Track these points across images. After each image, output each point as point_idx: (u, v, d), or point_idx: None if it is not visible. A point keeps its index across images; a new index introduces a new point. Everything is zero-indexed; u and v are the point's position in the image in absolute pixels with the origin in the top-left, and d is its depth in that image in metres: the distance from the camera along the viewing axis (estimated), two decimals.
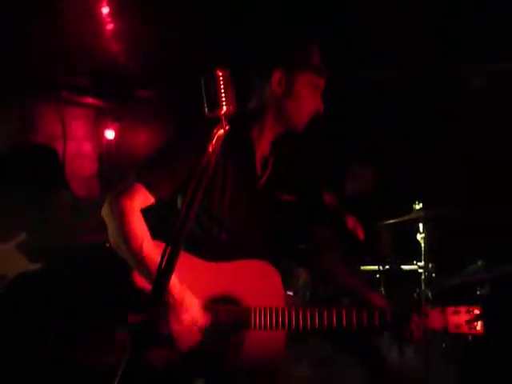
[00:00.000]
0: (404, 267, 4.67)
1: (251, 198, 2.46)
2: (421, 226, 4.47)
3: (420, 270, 4.44)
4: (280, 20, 5.07)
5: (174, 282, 2.12)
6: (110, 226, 2.24)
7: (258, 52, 2.63)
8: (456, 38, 5.16)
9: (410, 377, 4.19)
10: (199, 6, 5.18)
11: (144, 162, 2.35)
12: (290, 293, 4.03)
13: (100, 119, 6.47)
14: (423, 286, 4.37)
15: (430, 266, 4.42)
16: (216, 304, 2.25)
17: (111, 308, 2.21)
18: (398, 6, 5.13)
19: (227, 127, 1.71)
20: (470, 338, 3.91)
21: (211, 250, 2.35)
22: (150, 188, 2.26)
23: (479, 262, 4.34)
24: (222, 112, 1.69)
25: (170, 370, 2.19)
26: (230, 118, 1.71)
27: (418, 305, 4.17)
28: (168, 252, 1.60)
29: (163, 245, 1.61)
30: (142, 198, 2.25)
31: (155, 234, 2.23)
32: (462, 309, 2.44)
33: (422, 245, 4.45)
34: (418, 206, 4.47)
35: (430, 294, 4.32)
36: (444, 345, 4.14)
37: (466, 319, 2.43)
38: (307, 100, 2.47)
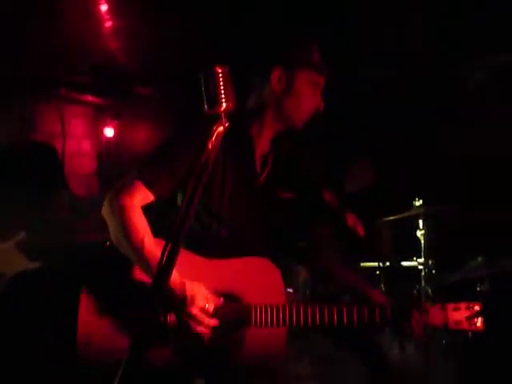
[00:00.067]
0: (404, 264, 4.67)
1: (251, 196, 2.46)
2: (421, 222, 4.47)
3: (420, 267, 4.44)
4: (280, 20, 5.07)
5: (175, 276, 2.12)
6: (111, 224, 2.24)
7: (257, 50, 2.63)
8: (456, 37, 5.15)
9: (411, 373, 4.19)
10: (199, 6, 5.18)
11: (144, 159, 2.35)
12: (290, 290, 4.03)
13: (99, 117, 6.46)
14: (423, 282, 4.38)
15: (430, 262, 4.42)
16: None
17: (113, 306, 2.22)
18: (397, 6, 5.13)
19: (227, 124, 1.71)
20: (470, 334, 3.92)
21: (211, 247, 2.35)
22: (150, 185, 2.26)
23: (479, 259, 4.34)
24: (222, 109, 1.69)
25: (170, 369, 2.19)
26: (229, 115, 1.71)
27: (418, 301, 4.17)
28: (168, 249, 1.60)
29: (164, 242, 1.61)
30: (142, 196, 2.26)
31: (155, 231, 2.23)
32: (462, 305, 2.44)
33: (422, 241, 4.46)
34: (417, 203, 4.47)
35: (429, 291, 4.32)
36: (444, 341, 4.14)
37: (466, 315, 2.43)
38: (307, 98, 2.48)
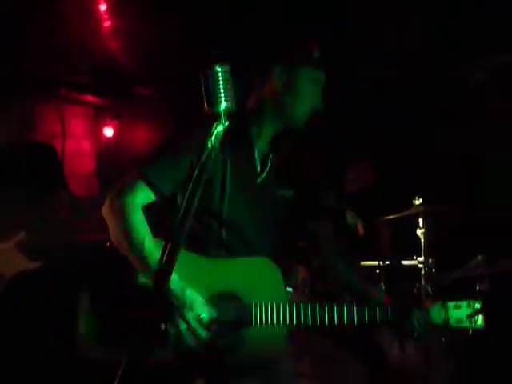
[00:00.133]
0: (404, 262, 4.67)
1: (251, 195, 2.46)
2: (420, 221, 4.48)
3: (420, 266, 4.44)
4: (280, 20, 5.07)
5: (175, 279, 2.12)
6: (111, 224, 2.24)
7: (257, 49, 2.63)
8: (456, 37, 5.15)
9: (411, 373, 4.19)
10: (199, 6, 5.18)
11: (144, 159, 2.35)
12: (290, 290, 4.03)
13: (99, 117, 6.46)
14: (423, 281, 4.38)
15: (430, 261, 4.42)
16: (217, 301, 2.25)
17: (113, 307, 2.22)
18: (397, 6, 5.13)
19: (227, 123, 1.71)
20: (470, 332, 3.92)
21: (211, 246, 2.36)
22: (151, 185, 2.27)
23: (479, 258, 4.33)
24: (222, 108, 1.69)
25: (170, 370, 2.19)
26: (229, 114, 1.71)
27: (418, 300, 4.18)
28: (168, 249, 1.60)
29: (164, 242, 1.61)
30: (142, 196, 2.26)
31: (156, 231, 2.23)
32: (463, 303, 2.45)
33: (422, 240, 4.46)
34: (417, 202, 4.47)
35: (429, 290, 4.32)
36: (444, 339, 4.14)
37: (467, 313, 2.43)
38: (307, 96, 2.47)
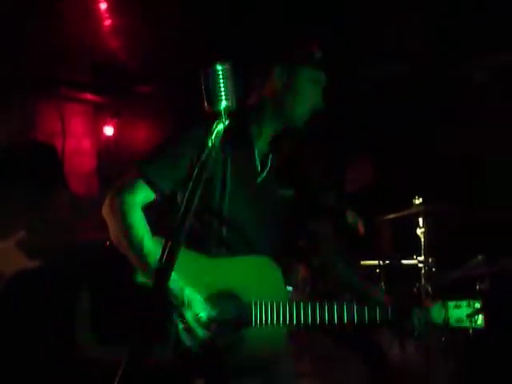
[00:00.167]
0: (404, 262, 4.67)
1: (251, 194, 2.45)
2: (421, 220, 4.47)
3: (420, 265, 4.44)
4: (280, 20, 5.07)
5: (174, 278, 2.12)
6: (111, 223, 2.24)
7: (258, 48, 2.63)
8: (456, 37, 5.15)
9: (412, 372, 4.19)
10: (199, 6, 5.18)
11: (144, 157, 2.35)
12: (290, 289, 4.03)
13: (99, 115, 6.46)
14: (423, 280, 4.37)
15: (430, 260, 4.41)
16: (217, 300, 2.25)
17: (112, 306, 2.21)
18: (398, 6, 5.13)
19: (227, 122, 1.70)
20: (470, 332, 3.92)
21: (211, 245, 2.35)
22: (151, 184, 2.27)
23: (479, 257, 4.33)
24: (222, 106, 1.69)
25: (170, 369, 2.19)
26: (229, 112, 1.70)
27: (418, 299, 4.18)
28: (168, 248, 1.59)
29: (163, 241, 1.61)
30: (142, 194, 2.26)
31: (155, 230, 2.23)
32: (463, 303, 2.44)
33: (422, 239, 4.45)
34: (417, 201, 4.47)
35: (429, 289, 4.32)
36: (444, 339, 4.13)
37: (467, 313, 2.43)
38: (307, 95, 2.47)
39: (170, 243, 1.59)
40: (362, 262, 4.76)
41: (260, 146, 2.49)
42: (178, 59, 5.68)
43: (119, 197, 2.24)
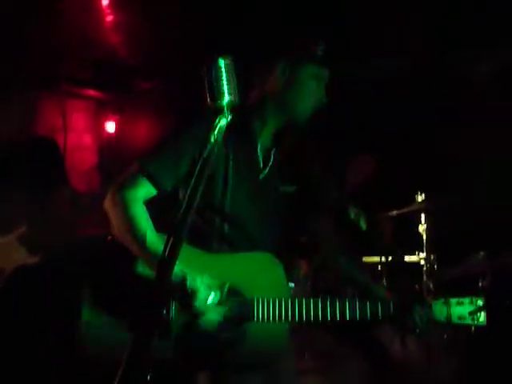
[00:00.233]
0: (406, 259, 4.67)
1: (253, 190, 2.45)
2: (423, 217, 4.47)
3: (422, 262, 4.44)
4: (280, 20, 5.07)
5: (177, 270, 2.11)
6: (113, 218, 2.24)
7: (260, 45, 2.62)
8: (456, 37, 5.15)
9: (413, 369, 4.19)
10: (199, 6, 5.18)
11: (146, 153, 2.35)
12: (291, 285, 4.03)
13: (100, 111, 6.46)
14: (425, 277, 4.37)
15: (432, 257, 4.42)
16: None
17: (114, 301, 2.21)
18: (397, 6, 5.13)
19: (229, 117, 1.70)
20: (472, 329, 3.92)
21: (213, 241, 2.35)
22: (153, 179, 2.27)
23: (481, 253, 4.33)
24: (225, 101, 1.68)
25: (173, 363, 2.19)
26: (232, 107, 1.70)
27: (420, 296, 4.17)
28: (170, 244, 1.59)
29: (166, 236, 1.60)
30: (144, 190, 2.26)
31: (157, 226, 2.23)
32: (465, 300, 2.44)
33: (424, 236, 4.46)
34: (419, 198, 4.47)
35: (431, 286, 4.32)
36: (446, 336, 4.14)
37: (470, 310, 2.43)
38: (310, 91, 2.46)
39: (172, 240, 1.59)
40: (364, 259, 4.76)
41: (262, 142, 2.49)
42: (178, 59, 5.68)
43: (121, 192, 2.24)
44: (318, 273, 4.33)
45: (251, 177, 2.45)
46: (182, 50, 5.51)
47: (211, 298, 2.15)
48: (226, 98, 1.67)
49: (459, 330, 4.02)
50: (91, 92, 6.31)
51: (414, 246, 4.52)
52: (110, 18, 5.34)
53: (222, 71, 1.67)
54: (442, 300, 2.45)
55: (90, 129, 6.39)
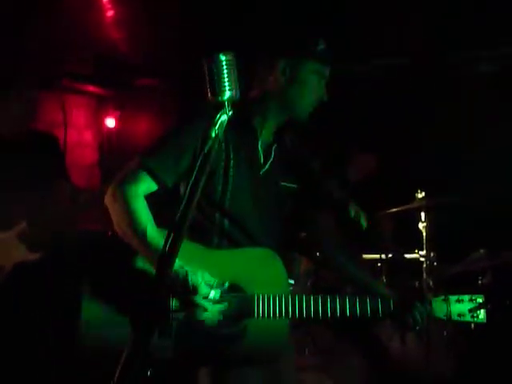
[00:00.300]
0: (406, 256, 4.68)
1: (254, 186, 2.45)
2: (422, 214, 4.47)
3: (422, 259, 4.44)
4: (280, 20, 5.07)
5: (177, 265, 2.11)
6: (114, 213, 2.24)
7: (261, 41, 2.62)
8: (456, 37, 5.15)
9: (412, 366, 4.20)
10: (199, 6, 5.18)
11: (147, 148, 2.35)
12: (291, 281, 4.03)
13: (101, 107, 6.45)
14: (425, 274, 4.38)
15: (432, 254, 4.42)
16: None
17: (115, 297, 2.21)
18: (397, 6, 5.13)
19: (230, 113, 1.69)
20: (472, 326, 3.92)
21: (214, 237, 2.35)
22: (153, 175, 2.27)
23: (481, 251, 4.34)
24: (226, 97, 1.68)
25: (174, 359, 2.19)
26: (233, 103, 1.70)
27: (420, 293, 4.18)
28: (170, 240, 1.59)
29: (167, 231, 1.60)
30: (145, 186, 2.26)
31: (158, 221, 2.23)
32: (465, 297, 2.44)
33: (424, 234, 4.46)
34: (419, 195, 4.47)
35: (431, 283, 4.33)
36: (445, 333, 4.14)
37: (469, 308, 2.42)
38: (311, 88, 2.46)
39: (172, 235, 1.59)
40: (364, 256, 4.77)
41: (263, 138, 2.49)
42: (178, 59, 5.68)
43: (121, 187, 2.24)
44: (318, 269, 4.34)
45: (252, 173, 2.44)
46: (182, 49, 5.51)
47: (212, 293, 2.15)
48: (227, 94, 1.67)
49: (459, 328, 4.03)
50: (92, 88, 6.30)
51: (414, 244, 4.53)
52: (110, 14, 5.33)
53: (223, 67, 1.66)
54: (442, 297, 2.45)
55: (90, 125, 6.38)
